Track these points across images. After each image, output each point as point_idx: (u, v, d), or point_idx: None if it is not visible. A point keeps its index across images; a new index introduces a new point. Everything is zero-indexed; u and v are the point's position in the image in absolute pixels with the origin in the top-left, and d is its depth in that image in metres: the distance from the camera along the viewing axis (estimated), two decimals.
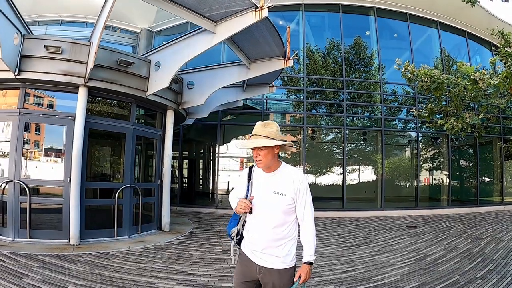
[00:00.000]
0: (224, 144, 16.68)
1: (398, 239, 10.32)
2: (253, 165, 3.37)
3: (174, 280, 6.29)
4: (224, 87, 10.83)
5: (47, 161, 9.09)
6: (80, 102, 8.44)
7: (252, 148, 3.17)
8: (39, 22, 19.27)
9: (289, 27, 10.35)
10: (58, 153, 9.21)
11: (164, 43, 9.62)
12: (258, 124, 3.24)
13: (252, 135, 3.20)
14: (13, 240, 8.05)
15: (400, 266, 7.55)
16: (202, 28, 8.37)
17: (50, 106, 9.27)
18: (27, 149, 8.68)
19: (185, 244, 9.06)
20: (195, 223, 12.10)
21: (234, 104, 13.35)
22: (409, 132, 18.47)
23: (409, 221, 13.97)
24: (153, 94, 9.33)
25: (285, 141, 3.23)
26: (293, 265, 3.23)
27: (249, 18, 7.51)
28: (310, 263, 3.16)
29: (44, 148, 9.16)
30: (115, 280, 6.16)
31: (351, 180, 17.05)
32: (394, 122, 18.09)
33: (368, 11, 17.97)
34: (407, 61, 7.74)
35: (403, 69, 7.68)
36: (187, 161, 17.91)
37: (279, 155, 3.31)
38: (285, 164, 3.30)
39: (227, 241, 9.32)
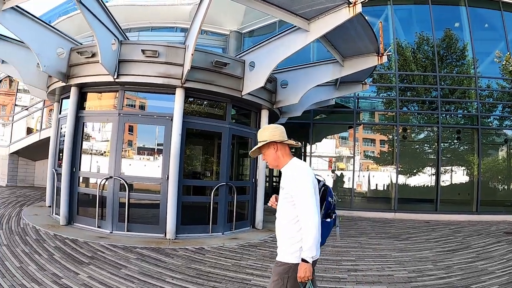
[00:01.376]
0: (315, 143, 16.36)
1: (496, 246, 9.31)
2: None
3: (268, 278, 6.12)
4: (317, 85, 10.58)
5: (140, 159, 9.58)
6: (177, 102, 8.75)
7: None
8: (131, 29, 20.50)
9: (380, 22, 9.95)
10: (150, 151, 9.71)
11: (257, 43, 9.65)
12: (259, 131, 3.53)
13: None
14: (111, 232, 8.56)
15: (499, 275, 6.75)
16: (295, 26, 8.24)
17: (142, 107, 9.80)
18: (123, 148, 9.14)
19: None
20: None
21: (327, 102, 13.05)
22: (504, 131, 16.70)
23: (506, 227, 12.65)
24: (248, 93, 9.36)
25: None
26: (289, 262, 3.15)
27: (342, 15, 7.23)
28: (305, 261, 3.00)
29: (137, 147, 9.68)
30: (211, 276, 6.18)
31: (443, 181, 15.74)
32: (489, 120, 16.50)
33: (459, 1, 16.65)
34: (508, 53, 6.93)
35: (504, 61, 6.88)
36: None
37: (292, 150, 3.54)
38: (293, 160, 3.38)
39: None
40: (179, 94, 8.73)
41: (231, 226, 9.68)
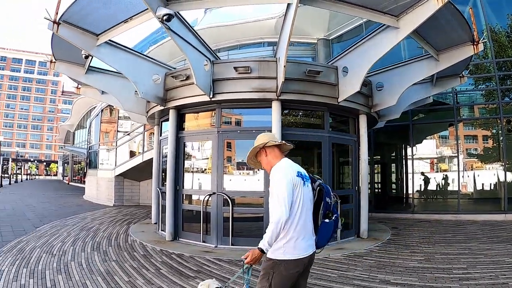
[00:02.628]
0: (416, 145, 15.72)
1: None
2: None
3: None
4: (413, 84, 10.22)
5: (240, 174, 9.93)
6: (274, 115, 9.01)
7: None
8: (220, 49, 21.24)
9: (470, 7, 9.30)
10: (250, 166, 9.79)
11: (347, 48, 9.56)
12: None
13: None
14: (216, 246, 9.01)
15: None
16: (383, 25, 8.07)
17: (238, 123, 10.20)
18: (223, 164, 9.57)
19: (384, 251, 8.71)
20: (392, 229, 11.60)
21: (424, 101, 12.45)
22: None
23: None
24: (345, 100, 9.30)
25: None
26: (274, 258, 3.41)
27: (431, 6, 6.89)
28: (261, 250, 3.33)
29: (236, 163, 10.03)
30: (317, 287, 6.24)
31: None
32: None
33: None
34: None
35: None
36: (378, 165, 17.43)
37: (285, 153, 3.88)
38: (280, 161, 3.67)
39: (429, 249, 8.79)
40: (276, 106, 8.98)
41: (335, 236, 9.60)
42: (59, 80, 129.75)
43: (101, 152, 24.34)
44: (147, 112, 11.55)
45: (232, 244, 8.98)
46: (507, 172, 13.81)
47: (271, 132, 3.70)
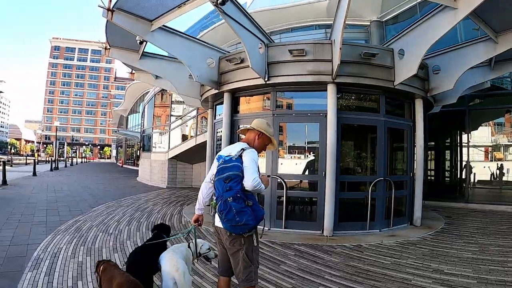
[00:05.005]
0: (471, 132, 15.17)
1: None
2: None
3: (430, 279, 5.99)
4: (470, 67, 9.89)
5: (291, 158, 10.10)
6: (330, 98, 9.01)
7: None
8: (272, 33, 21.20)
9: None
10: (301, 150, 10.18)
11: (403, 29, 9.35)
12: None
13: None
14: (269, 229, 9.19)
15: None
16: (440, 6, 7.81)
17: (290, 107, 10.25)
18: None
19: (438, 240, 8.61)
20: (445, 218, 11.41)
21: (481, 86, 11.97)
22: None
23: None
24: (401, 83, 9.16)
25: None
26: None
27: None
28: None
29: (288, 146, 10.23)
30: (370, 274, 6.27)
31: None
32: None
33: None
34: None
35: None
36: (432, 152, 16.98)
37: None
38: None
39: (484, 240, 8.60)
40: (331, 89, 8.98)
41: (389, 223, 9.58)
42: (112, 67, 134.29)
43: (154, 135, 25.10)
44: (201, 96, 11.85)
45: (285, 228, 9.16)
46: None
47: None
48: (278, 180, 9.23)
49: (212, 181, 3.92)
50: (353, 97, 9.98)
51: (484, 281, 5.85)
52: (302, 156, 10.01)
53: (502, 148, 15.18)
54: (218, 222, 3.87)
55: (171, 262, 4.05)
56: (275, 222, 9.29)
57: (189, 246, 4.62)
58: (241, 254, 3.75)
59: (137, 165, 32.42)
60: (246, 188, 3.65)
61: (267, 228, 9.14)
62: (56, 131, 63.15)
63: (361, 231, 9.16)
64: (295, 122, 9.88)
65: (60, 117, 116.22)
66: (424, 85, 10.22)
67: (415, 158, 10.39)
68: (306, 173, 9.80)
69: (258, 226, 3.86)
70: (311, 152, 9.81)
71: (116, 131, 57.99)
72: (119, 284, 3.60)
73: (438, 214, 12.14)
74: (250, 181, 3.62)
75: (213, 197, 3.92)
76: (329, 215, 8.80)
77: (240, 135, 4.57)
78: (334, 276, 6.15)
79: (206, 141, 13.02)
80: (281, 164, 9.63)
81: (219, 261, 4.18)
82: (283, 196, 9.13)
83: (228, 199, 3.57)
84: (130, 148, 52.59)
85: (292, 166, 9.97)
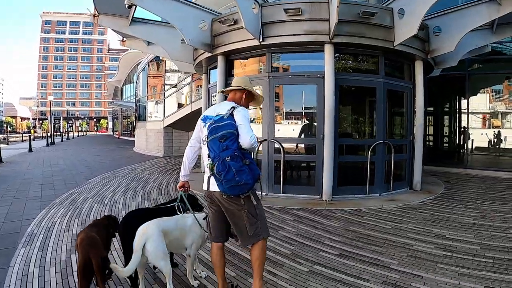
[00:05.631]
0: (471, 97, 14.79)
1: None
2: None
3: (432, 244, 5.79)
4: (471, 30, 9.51)
5: (288, 123, 9.81)
6: (327, 59, 8.62)
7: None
8: None
9: None
10: (298, 116, 9.87)
11: None
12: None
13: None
14: (267, 194, 8.98)
15: None
16: None
17: (285, 69, 9.84)
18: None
19: (438, 205, 8.42)
20: (444, 183, 11.22)
21: (482, 49, 11.56)
22: None
23: None
24: (400, 44, 8.76)
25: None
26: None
27: None
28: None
29: (285, 112, 9.93)
30: (371, 239, 6.05)
31: None
32: None
33: None
34: None
35: None
36: (431, 117, 16.68)
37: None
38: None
39: (484, 205, 8.39)
40: (328, 50, 8.58)
41: (388, 187, 9.37)
42: (105, 38, 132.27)
43: (149, 104, 24.64)
44: (195, 60, 11.42)
45: (283, 192, 8.93)
46: None
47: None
48: (276, 144, 8.94)
49: (204, 142, 3.69)
50: (351, 58, 9.58)
51: (487, 247, 5.64)
52: (299, 121, 9.70)
53: (500, 115, 14.91)
54: (212, 186, 3.65)
55: (142, 228, 3.81)
56: (273, 187, 9.05)
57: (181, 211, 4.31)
58: (244, 213, 3.64)
59: (134, 136, 32.13)
60: (243, 147, 3.51)
61: (264, 193, 8.90)
62: (51, 106, 62.55)
63: (360, 195, 8.95)
64: (292, 84, 9.52)
65: (54, 92, 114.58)
66: (424, 47, 9.81)
67: (414, 122, 10.09)
68: (302, 137, 9.58)
69: (256, 192, 3.69)
70: (308, 117, 9.49)
71: (111, 103, 57.52)
72: (80, 239, 3.74)
73: (437, 179, 11.94)
74: (248, 139, 3.49)
75: (206, 159, 3.69)
76: (327, 179, 8.55)
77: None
78: (334, 241, 5.91)
79: (201, 107, 12.68)
80: (278, 130, 9.31)
81: (212, 227, 3.97)
82: (280, 161, 8.85)
83: (226, 158, 3.40)
84: (126, 119, 52.14)
85: (289, 131, 9.66)
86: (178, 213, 4.25)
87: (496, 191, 10.10)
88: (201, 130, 3.84)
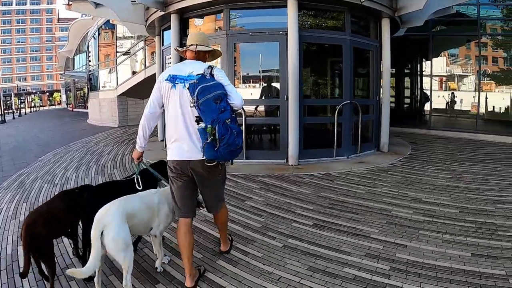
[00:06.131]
0: (434, 59, 14.42)
1: None
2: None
3: (410, 209, 5.40)
4: None
5: (245, 87, 9.23)
6: (290, 15, 7.87)
7: None
8: None
9: None
10: (257, 77, 9.25)
11: None
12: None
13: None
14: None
15: None
16: None
17: (248, 26, 8.94)
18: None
19: (408, 167, 8.08)
20: (410, 144, 10.96)
21: (447, 11, 11.12)
22: None
23: None
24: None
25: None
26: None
27: None
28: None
29: (242, 76, 9.33)
30: (345, 205, 5.57)
31: None
32: None
33: None
34: None
35: None
36: (393, 78, 16.29)
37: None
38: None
39: (454, 167, 8.09)
40: (291, 5, 7.81)
41: (356, 149, 8.92)
42: (54, 8, 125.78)
43: (102, 73, 23.19)
44: (146, 21, 10.44)
45: (246, 158, 8.25)
46: None
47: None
48: None
49: (192, 104, 3.14)
50: (316, 14, 8.87)
51: (465, 210, 5.32)
52: (260, 83, 9.07)
53: (456, 78, 14.74)
54: (192, 154, 3.29)
55: (99, 213, 3.09)
56: None
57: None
58: (220, 178, 3.57)
59: (87, 107, 30.70)
60: (234, 108, 3.26)
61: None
62: (0, 82, 59.36)
63: (327, 158, 8.47)
64: (252, 42, 8.74)
65: (3, 68, 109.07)
66: (392, 4, 9.24)
67: (381, 83, 9.66)
68: (264, 98, 8.97)
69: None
70: (270, 78, 8.85)
71: (62, 75, 55.01)
72: (28, 215, 3.34)
73: (402, 140, 11.64)
74: (240, 99, 3.29)
75: (192, 124, 3.28)
76: (293, 143, 7.97)
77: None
78: (307, 210, 5.37)
79: (155, 73, 11.76)
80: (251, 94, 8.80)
81: (180, 202, 3.47)
82: (242, 125, 8.10)
83: (227, 120, 3.07)
84: (80, 91, 50.00)
85: (249, 94, 9.03)
86: (137, 187, 3.73)
87: (463, 152, 9.87)
88: (167, 91, 3.35)
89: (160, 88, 3.38)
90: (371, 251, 4.06)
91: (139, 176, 3.81)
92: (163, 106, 3.43)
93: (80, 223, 3.82)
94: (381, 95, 9.68)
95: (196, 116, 3.16)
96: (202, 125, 3.08)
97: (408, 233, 4.54)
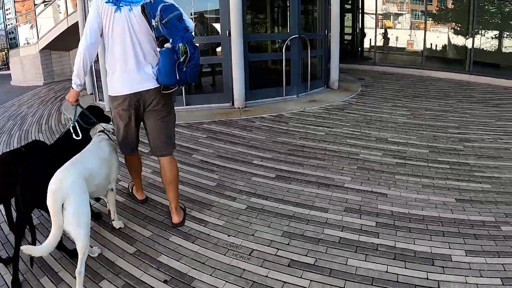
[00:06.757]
0: None
1: None
2: None
3: (378, 150, 4.88)
4: None
5: None
6: None
7: None
8: None
9: None
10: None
11: None
12: None
13: None
14: None
15: None
16: None
17: None
18: None
19: (364, 104, 7.55)
20: (359, 80, 10.38)
21: None
22: None
23: None
24: None
25: None
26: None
27: None
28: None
29: None
30: (307, 151, 4.90)
31: None
32: None
33: None
34: None
35: None
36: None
37: None
38: None
39: (410, 103, 7.66)
40: None
41: (305, 86, 8.19)
42: None
43: (22, 29, 20.93)
44: None
45: (186, 104, 7.25)
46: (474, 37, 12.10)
47: None
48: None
49: (155, 24, 2.77)
50: None
51: (435, 150, 4.93)
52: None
53: (391, 16, 14.12)
54: (146, 84, 2.97)
55: (56, 179, 2.40)
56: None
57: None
58: (173, 113, 3.25)
59: (10, 68, 28.02)
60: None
61: None
62: None
63: (277, 98, 7.71)
64: None
65: None
66: None
67: (331, 16, 8.80)
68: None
69: None
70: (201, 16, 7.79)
71: None
72: None
73: (349, 76, 11.01)
74: (192, 23, 2.96)
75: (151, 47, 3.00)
76: (239, 83, 7.09)
77: None
78: (265, 159, 4.62)
79: (78, 21, 10.15)
80: None
81: (127, 140, 3.21)
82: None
83: (193, 40, 2.84)
84: (1, 52, 45.92)
85: None
86: (74, 136, 3.11)
87: (413, 88, 9.45)
88: (110, 15, 2.89)
89: (99, 13, 2.90)
90: (350, 205, 3.47)
91: (76, 124, 3.18)
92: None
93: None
94: (330, 29, 8.90)
95: (158, 37, 2.82)
96: (168, 45, 2.78)
97: (384, 180, 4.01)
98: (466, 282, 2.40)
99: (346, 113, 6.80)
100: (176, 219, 3.21)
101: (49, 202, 2.34)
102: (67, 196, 2.37)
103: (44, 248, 2.30)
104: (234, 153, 4.86)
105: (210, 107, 7.28)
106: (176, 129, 5.64)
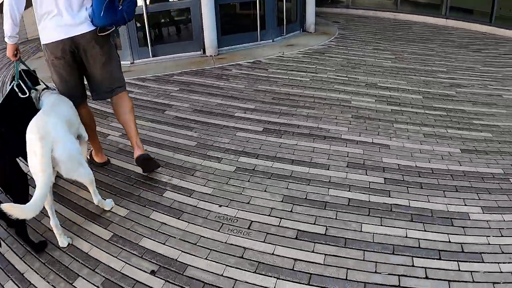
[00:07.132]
0: None
1: None
2: None
3: (370, 96, 4.53)
4: None
5: None
6: None
7: None
8: None
9: None
10: None
11: None
12: None
13: None
14: (133, 63, 6.41)
15: None
16: None
17: None
18: None
19: (344, 47, 7.06)
20: (334, 23, 9.78)
21: None
22: None
23: None
24: None
25: None
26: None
27: None
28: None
29: None
30: (294, 99, 4.44)
31: None
32: None
33: None
34: None
35: None
36: None
37: None
38: None
39: (391, 47, 7.26)
40: None
41: (281, 30, 7.60)
42: None
43: None
44: None
45: (153, 56, 6.48)
46: None
47: None
48: None
49: None
50: None
51: (428, 96, 4.65)
52: None
53: None
54: (79, 27, 2.66)
55: (35, 128, 2.15)
56: (138, 52, 6.46)
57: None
58: (116, 57, 2.95)
59: None
60: None
61: (129, 63, 6.37)
62: None
63: (252, 43, 7.09)
64: None
65: None
66: None
67: None
68: None
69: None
70: None
71: None
72: None
73: (323, 19, 10.40)
74: None
75: None
76: (210, 28, 6.39)
77: None
78: (248, 110, 4.12)
79: None
80: None
81: (66, 90, 2.82)
82: (142, 14, 6.21)
83: None
84: None
85: None
86: (20, 95, 2.63)
87: (392, 31, 8.99)
88: None
89: None
90: (352, 159, 3.09)
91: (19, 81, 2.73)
92: None
93: None
94: None
95: None
96: None
97: (383, 129, 3.65)
98: (489, 243, 2.17)
99: (327, 57, 6.33)
100: (141, 150, 2.89)
101: (39, 150, 2.07)
102: (56, 140, 2.17)
103: (31, 205, 1.91)
104: (213, 106, 4.30)
105: (180, 57, 6.58)
106: (142, 83, 5.13)
